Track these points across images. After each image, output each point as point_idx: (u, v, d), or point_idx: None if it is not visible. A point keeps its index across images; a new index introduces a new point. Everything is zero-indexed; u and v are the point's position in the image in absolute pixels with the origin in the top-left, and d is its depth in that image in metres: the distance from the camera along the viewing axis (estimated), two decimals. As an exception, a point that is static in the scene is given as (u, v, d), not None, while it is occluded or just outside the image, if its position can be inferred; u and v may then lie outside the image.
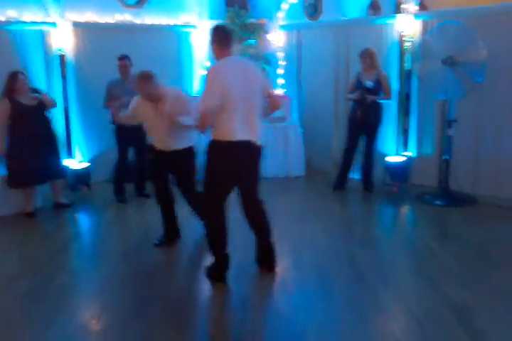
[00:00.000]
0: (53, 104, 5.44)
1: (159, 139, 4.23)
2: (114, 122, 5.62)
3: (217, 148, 3.42)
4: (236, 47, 6.81)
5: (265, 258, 3.79)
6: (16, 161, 5.11)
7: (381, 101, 5.81)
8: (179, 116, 3.91)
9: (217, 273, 3.65)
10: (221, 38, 3.49)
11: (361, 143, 6.01)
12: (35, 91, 5.29)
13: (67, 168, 5.93)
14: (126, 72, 5.61)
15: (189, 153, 4.27)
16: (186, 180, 4.34)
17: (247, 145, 3.42)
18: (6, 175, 5.17)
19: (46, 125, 5.35)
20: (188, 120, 3.89)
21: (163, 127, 4.06)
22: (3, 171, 5.22)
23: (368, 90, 5.72)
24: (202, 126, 3.38)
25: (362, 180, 6.08)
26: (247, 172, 3.58)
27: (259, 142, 3.51)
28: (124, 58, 5.62)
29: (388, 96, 5.80)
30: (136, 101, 4.24)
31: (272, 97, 3.61)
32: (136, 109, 4.25)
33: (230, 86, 3.30)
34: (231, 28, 3.83)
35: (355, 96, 5.75)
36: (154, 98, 4.04)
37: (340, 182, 6.13)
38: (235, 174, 3.51)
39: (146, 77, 3.97)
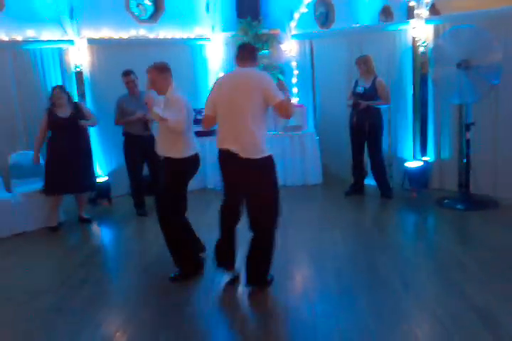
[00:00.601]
0: (92, 119, 5.55)
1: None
2: (124, 133, 5.68)
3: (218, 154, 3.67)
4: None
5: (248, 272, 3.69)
6: (51, 170, 5.30)
7: (379, 106, 5.82)
8: (155, 106, 3.73)
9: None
10: (235, 55, 3.73)
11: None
12: (76, 105, 5.47)
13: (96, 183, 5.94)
14: (133, 87, 5.59)
15: (167, 163, 3.97)
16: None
17: (226, 154, 3.53)
18: (43, 184, 5.33)
19: (82, 138, 5.45)
20: (163, 113, 3.70)
21: (160, 128, 3.98)
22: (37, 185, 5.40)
23: (361, 96, 5.80)
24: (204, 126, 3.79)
25: (378, 187, 6.08)
26: (237, 184, 3.62)
27: (242, 153, 3.44)
28: (128, 74, 5.57)
29: (386, 102, 5.82)
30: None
31: (277, 106, 3.42)
32: None
33: (216, 97, 3.59)
34: (243, 44, 3.88)
35: (351, 102, 5.85)
36: (158, 88, 3.91)
37: (355, 189, 6.18)
38: (227, 181, 3.69)
39: (161, 68, 3.92)
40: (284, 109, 3.44)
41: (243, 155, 3.43)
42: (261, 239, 3.59)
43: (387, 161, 6.64)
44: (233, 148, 3.46)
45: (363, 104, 5.74)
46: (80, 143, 5.43)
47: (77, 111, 5.40)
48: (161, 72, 3.91)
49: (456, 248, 4.31)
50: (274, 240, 3.61)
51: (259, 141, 3.44)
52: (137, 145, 5.62)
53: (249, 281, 3.68)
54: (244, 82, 3.50)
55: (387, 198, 5.95)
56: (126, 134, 5.69)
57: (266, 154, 3.48)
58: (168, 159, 3.92)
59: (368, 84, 5.82)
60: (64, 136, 5.30)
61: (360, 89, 5.84)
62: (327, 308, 3.38)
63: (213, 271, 4.01)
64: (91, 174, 5.62)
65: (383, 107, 5.91)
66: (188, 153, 3.90)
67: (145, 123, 5.54)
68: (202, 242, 4.28)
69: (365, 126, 5.84)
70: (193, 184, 4.16)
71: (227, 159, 3.55)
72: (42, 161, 5.48)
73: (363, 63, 5.83)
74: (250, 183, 3.53)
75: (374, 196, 6.11)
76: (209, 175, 6.66)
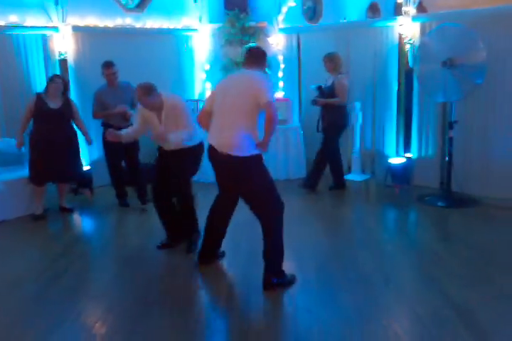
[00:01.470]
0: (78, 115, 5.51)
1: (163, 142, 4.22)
2: (103, 124, 5.60)
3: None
4: (237, 52, 6.87)
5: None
6: (34, 158, 5.22)
7: (336, 104, 5.87)
8: (168, 136, 3.96)
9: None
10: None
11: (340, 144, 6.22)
12: (67, 99, 5.38)
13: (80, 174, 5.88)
14: (113, 80, 5.44)
15: (183, 153, 4.18)
16: (174, 179, 4.27)
17: (211, 150, 3.61)
18: (29, 173, 5.29)
19: (68, 129, 5.38)
20: (176, 137, 3.99)
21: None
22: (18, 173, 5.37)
23: (320, 93, 5.94)
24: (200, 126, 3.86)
25: (308, 176, 6.24)
26: (223, 181, 3.73)
27: (223, 149, 3.48)
28: (109, 66, 5.40)
29: (341, 100, 5.86)
30: (140, 112, 4.21)
31: (264, 106, 3.38)
32: (142, 119, 4.22)
33: (216, 96, 3.64)
34: (249, 47, 3.85)
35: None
36: (157, 107, 4.06)
37: (337, 183, 6.23)
38: (217, 178, 3.77)
39: (149, 89, 3.96)
40: (269, 111, 3.36)
41: (223, 150, 3.49)
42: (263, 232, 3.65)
43: (370, 157, 6.71)
44: (216, 143, 3.55)
45: (320, 101, 5.88)
46: (65, 133, 5.36)
47: (67, 105, 5.33)
48: (147, 94, 3.97)
49: (437, 244, 4.36)
50: (274, 234, 3.65)
51: (238, 139, 3.45)
52: (116, 149, 5.43)
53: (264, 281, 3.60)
54: (240, 81, 3.57)
55: (303, 188, 6.10)
56: (105, 125, 5.61)
57: (246, 154, 3.46)
58: (175, 151, 4.16)
59: (329, 82, 5.90)
60: (49, 126, 5.19)
61: (311, 87, 6.06)
62: (308, 302, 3.40)
63: (195, 262, 4.02)
64: (77, 164, 5.56)
65: (355, 106, 6.15)
66: (194, 142, 4.19)
67: (124, 115, 5.46)
68: None
69: (323, 123, 5.99)
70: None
71: (212, 154, 3.62)
72: (23, 149, 5.42)
73: (329, 61, 5.89)
74: (231, 180, 3.62)
75: (357, 191, 6.16)
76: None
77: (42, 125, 5.22)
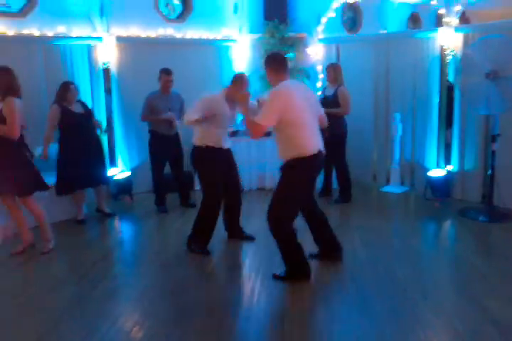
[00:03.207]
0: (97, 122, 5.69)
1: (221, 136, 4.49)
2: (150, 131, 5.73)
3: (299, 163, 3.69)
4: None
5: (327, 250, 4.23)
6: (66, 168, 5.25)
7: (340, 115, 5.87)
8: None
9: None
10: (275, 65, 3.83)
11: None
12: (82, 104, 5.47)
13: (111, 177, 6.12)
14: (169, 87, 5.66)
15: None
16: None
17: (318, 156, 3.75)
18: (55, 183, 5.30)
19: (93, 133, 5.53)
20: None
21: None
22: (53, 179, 5.36)
23: (322, 103, 5.83)
24: (254, 136, 3.68)
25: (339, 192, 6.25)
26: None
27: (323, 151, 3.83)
28: (170, 73, 5.63)
29: (344, 110, 5.87)
30: (214, 100, 4.39)
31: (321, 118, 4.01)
32: (214, 107, 4.36)
33: (294, 103, 3.61)
34: (283, 56, 4.01)
35: None
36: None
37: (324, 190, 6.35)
38: (311, 184, 3.97)
39: None
40: (321, 120, 4.02)
41: (323, 152, 3.83)
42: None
43: (410, 169, 6.62)
44: (320, 147, 3.79)
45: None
46: (94, 138, 5.51)
47: (87, 107, 5.48)
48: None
49: (477, 259, 4.25)
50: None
51: None
52: (162, 144, 5.68)
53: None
54: (306, 89, 3.89)
55: (338, 202, 6.11)
56: (152, 132, 5.75)
57: None
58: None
59: (331, 92, 5.89)
60: (78, 131, 5.27)
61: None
62: (344, 313, 3.37)
63: (229, 271, 4.04)
64: (104, 168, 5.69)
65: (347, 117, 6.02)
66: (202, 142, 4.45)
67: (170, 123, 5.60)
68: None
69: (326, 134, 5.91)
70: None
71: (320, 161, 3.80)
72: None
73: (333, 70, 5.93)
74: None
75: (396, 203, 6.08)
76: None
77: (69, 132, 5.23)
